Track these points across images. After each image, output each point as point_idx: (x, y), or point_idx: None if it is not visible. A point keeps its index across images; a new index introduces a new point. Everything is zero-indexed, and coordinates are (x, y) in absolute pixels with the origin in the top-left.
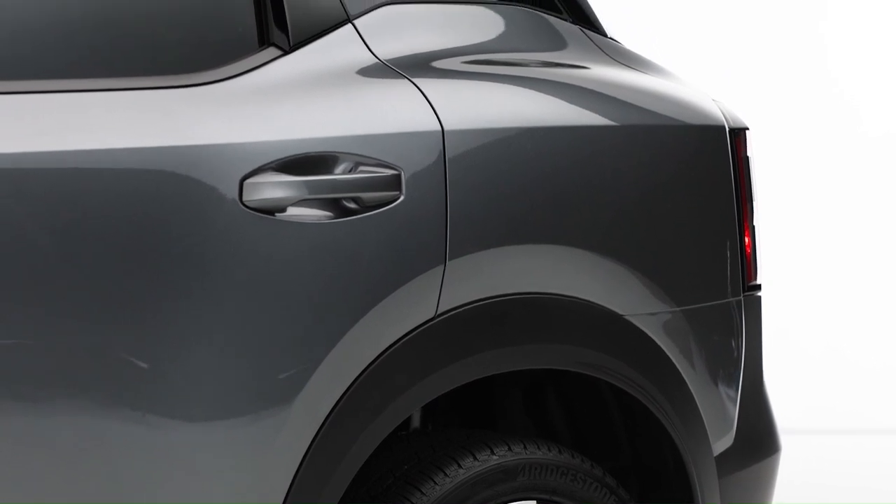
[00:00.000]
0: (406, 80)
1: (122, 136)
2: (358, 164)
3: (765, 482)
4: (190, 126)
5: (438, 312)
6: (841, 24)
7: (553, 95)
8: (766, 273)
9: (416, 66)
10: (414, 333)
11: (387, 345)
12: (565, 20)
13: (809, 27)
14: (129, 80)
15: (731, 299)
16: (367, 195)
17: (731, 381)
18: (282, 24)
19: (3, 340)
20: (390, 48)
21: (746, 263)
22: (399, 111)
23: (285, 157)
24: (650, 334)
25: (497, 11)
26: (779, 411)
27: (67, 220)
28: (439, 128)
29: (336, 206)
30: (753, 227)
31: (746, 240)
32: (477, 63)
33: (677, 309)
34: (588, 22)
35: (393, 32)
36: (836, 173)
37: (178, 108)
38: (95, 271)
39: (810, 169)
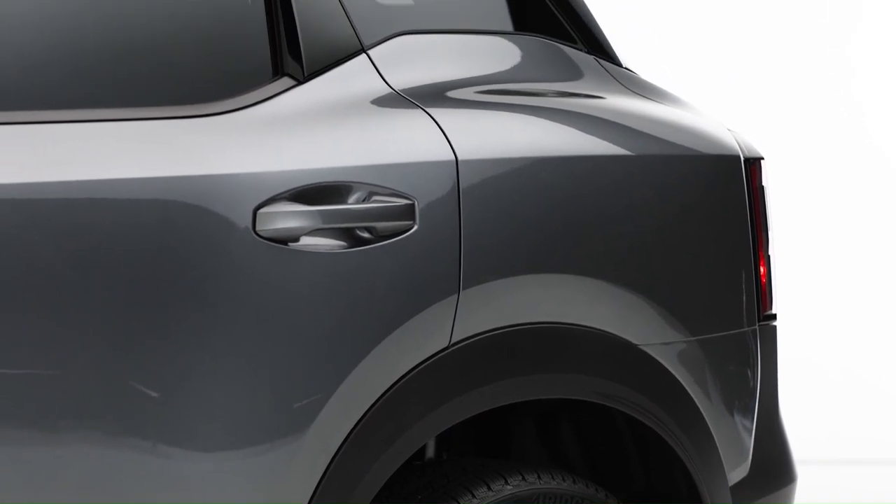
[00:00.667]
0: (420, 110)
1: (135, 166)
2: (371, 193)
3: None
4: (203, 156)
5: (452, 342)
6: (866, 50)
7: (568, 125)
8: (783, 299)
9: (429, 96)
10: (428, 363)
11: (400, 374)
12: (580, 50)
13: (835, 51)
14: (143, 110)
15: (746, 329)
16: (380, 225)
17: (747, 410)
18: (296, 54)
19: (14, 370)
20: (404, 78)
21: (762, 293)
22: (413, 141)
23: (299, 187)
24: (665, 364)
25: (512, 41)
26: (794, 441)
27: (81, 250)
28: (453, 157)
29: (349, 236)
30: (769, 256)
31: (762, 269)
32: (491, 93)
33: (692, 338)
34: (603, 52)
35: (407, 62)
36: (852, 197)
37: (192, 138)
38: (108, 301)
39: (826, 193)
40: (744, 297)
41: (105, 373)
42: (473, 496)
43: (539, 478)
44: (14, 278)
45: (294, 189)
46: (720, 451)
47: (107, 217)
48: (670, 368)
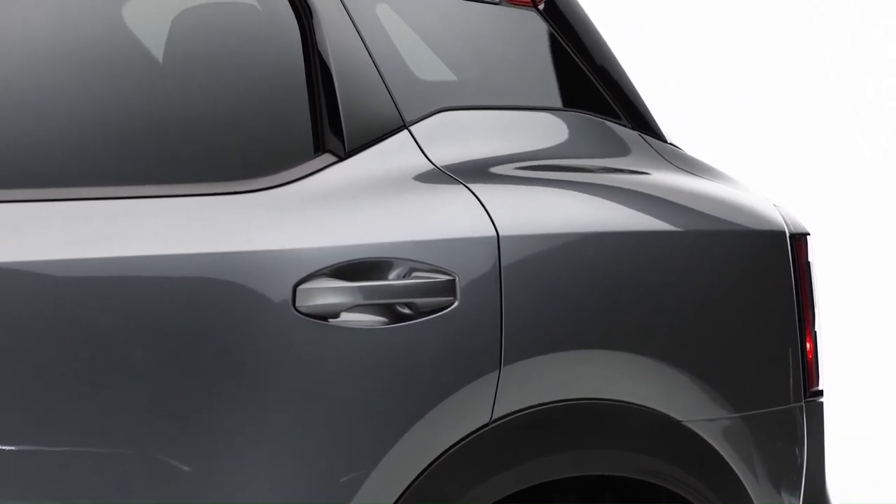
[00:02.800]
0: (461, 186)
1: (175, 243)
2: (412, 269)
3: None
4: (244, 232)
5: (493, 418)
6: None
7: (611, 201)
8: (830, 375)
9: (471, 172)
10: (469, 439)
11: (441, 451)
12: (624, 126)
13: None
14: (185, 187)
15: (792, 405)
16: (421, 301)
17: (793, 488)
18: (337, 130)
19: (54, 446)
20: (446, 154)
21: (808, 369)
22: (454, 217)
23: (339, 263)
24: (709, 440)
25: (555, 117)
26: None
27: (121, 327)
28: (494, 233)
29: (390, 312)
30: (815, 331)
31: (808, 345)
32: (533, 169)
33: (737, 415)
34: (648, 127)
35: (449, 138)
36: None
37: (232, 215)
38: (148, 378)
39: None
40: (790, 373)
41: (144, 449)
42: None
43: None
44: (51, 355)
45: (334, 265)
46: None
47: (146, 294)
48: (715, 445)
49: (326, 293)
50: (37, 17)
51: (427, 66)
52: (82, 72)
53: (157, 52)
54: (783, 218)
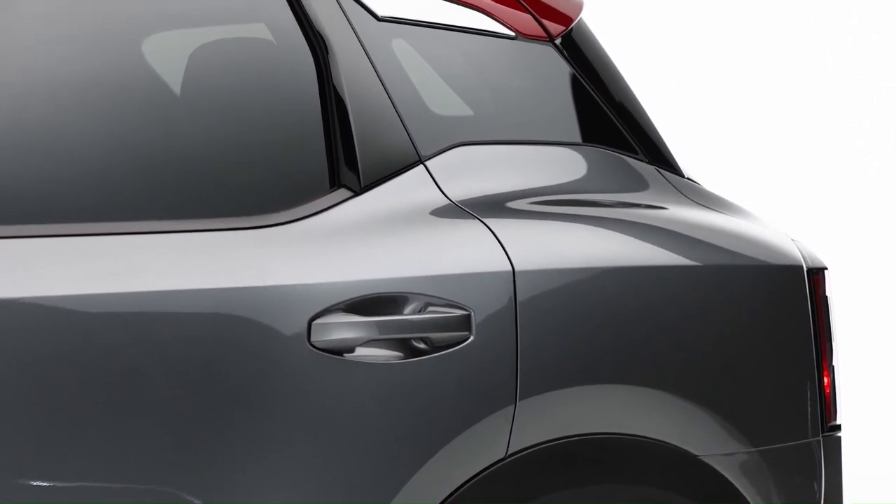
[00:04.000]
0: (477, 221)
1: (191, 278)
2: (428, 304)
3: None
4: (259, 267)
5: (509, 453)
6: None
7: (627, 235)
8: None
9: (487, 207)
10: (484, 474)
11: (456, 485)
12: (641, 160)
13: None
14: (201, 222)
15: (810, 439)
16: (436, 335)
17: None
18: (353, 165)
19: (70, 482)
20: (462, 189)
21: (826, 403)
22: (470, 252)
23: (354, 298)
24: (726, 475)
25: (571, 152)
26: None
27: (138, 361)
28: (510, 268)
29: (405, 347)
30: (833, 366)
31: (826, 379)
32: (549, 203)
33: (754, 449)
34: (665, 162)
35: (465, 173)
36: None
37: (248, 250)
38: (163, 413)
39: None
40: (807, 408)
41: (160, 484)
42: None
43: None
44: (68, 389)
45: (349, 300)
46: None
47: (162, 329)
48: (732, 479)
49: (342, 328)
50: (61, 53)
51: (443, 100)
52: (104, 108)
53: (177, 87)
54: (801, 252)
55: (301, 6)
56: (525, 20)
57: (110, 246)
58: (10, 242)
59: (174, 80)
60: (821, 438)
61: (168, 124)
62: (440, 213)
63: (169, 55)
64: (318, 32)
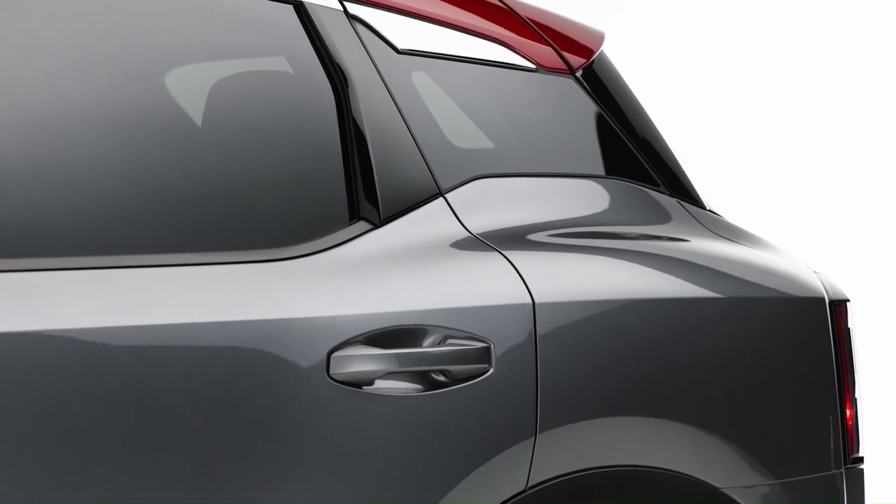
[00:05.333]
0: (497, 253)
1: (210, 311)
2: (447, 336)
3: None
4: (279, 300)
5: (529, 485)
6: None
7: (648, 268)
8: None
9: (507, 239)
10: None
11: None
12: (663, 192)
13: None
14: (220, 255)
15: (833, 472)
16: (456, 368)
17: None
18: (372, 198)
19: None
20: (482, 221)
21: (849, 435)
22: (489, 284)
23: (374, 330)
24: None
25: (592, 184)
26: None
27: (156, 395)
28: (530, 301)
29: (424, 379)
30: (855, 398)
31: (848, 411)
32: (569, 236)
33: (776, 482)
34: (686, 194)
35: (485, 205)
36: None
37: (268, 282)
38: (181, 446)
39: None
40: (830, 440)
41: None
42: None
43: None
44: (84, 423)
45: (369, 332)
46: None
47: (181, 361)
48: None
49: (361, 360)
50: (86, 86)
51: (463, 133)
52: (126, 140)
53: (198, 120)
54: (823, 284)
55: (321, 39)
56: (546, 53)
57: (130, 279)
58: (28, 275)
59: (196, 112)
60: (843, 471)
61: (188, 157)
62: (460, 245)
63: (191, 88)
64: (338, 65)
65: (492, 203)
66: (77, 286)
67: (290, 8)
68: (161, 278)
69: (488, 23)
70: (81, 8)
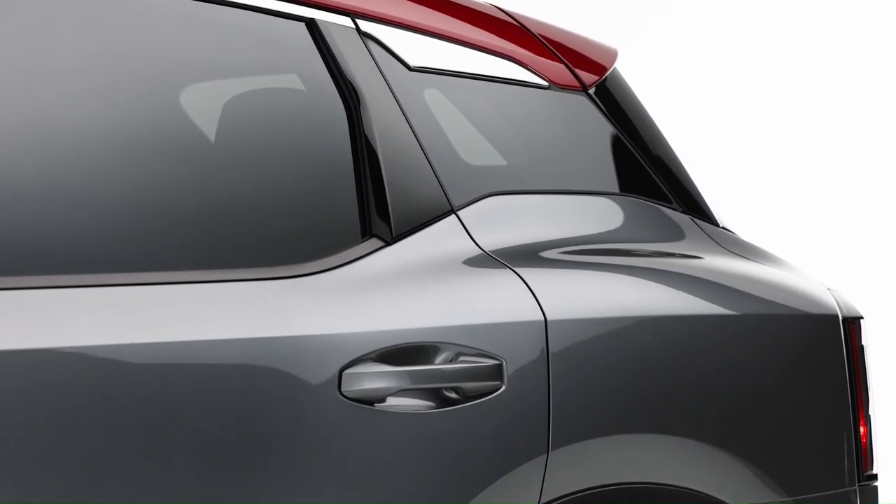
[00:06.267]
0: (509, 271)
1: (223, 328)
2: (459, 354)
3: None
4: (290, 317)
5: (542, 503)
6: None
7: (661, 285)
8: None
9: (519, 256)
10: None
11: None
12: (676, 210)
13: None
14: (232, 272)
15: (847, 489)
16: (468, 385)
17: None
18: (384, 215)
19: None
20: (494, 238)
21: (862, 452)
22: (501, 301)
23: (385, 348)
24: None
25: (605, 201)
26: None
27: (168, 412)
28: (542, 318)
29: (436, 396)
30: (869, 415)
31: (862, 429)
32: (582, 253)
33: (789, 499)
34: (699, 211)
35: (497, 222)
36: None
37: (280, 300)
38: (193, 464)
39: None
40: (844, 457)
41: None
42: None
43: None
44: (97, 440)
45: (380, 350)
46: None
47: (192, 379)
48: None
49: (373, 378)
50: (103, 104)
51: (476, 150)
52: (139, 157)
53: (211, 137)
54: (836, 301)
55: (333, 57)
56: (558, 70)
57: (142, 296)
58: (43, 292)
59: (209, 130)
60: (857, 488)
61: (201, 174)
62: (472, 262)
63: (205, 105)
64: (350, 82)
65: (504, 220)
66: (91, 303)
67: (302, 25)
68: (173, 296)
69: (500, 40)
70: (98, 27)
